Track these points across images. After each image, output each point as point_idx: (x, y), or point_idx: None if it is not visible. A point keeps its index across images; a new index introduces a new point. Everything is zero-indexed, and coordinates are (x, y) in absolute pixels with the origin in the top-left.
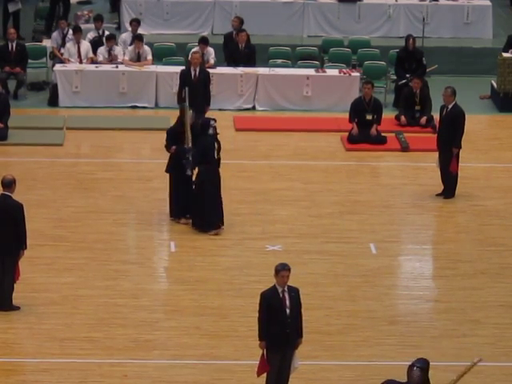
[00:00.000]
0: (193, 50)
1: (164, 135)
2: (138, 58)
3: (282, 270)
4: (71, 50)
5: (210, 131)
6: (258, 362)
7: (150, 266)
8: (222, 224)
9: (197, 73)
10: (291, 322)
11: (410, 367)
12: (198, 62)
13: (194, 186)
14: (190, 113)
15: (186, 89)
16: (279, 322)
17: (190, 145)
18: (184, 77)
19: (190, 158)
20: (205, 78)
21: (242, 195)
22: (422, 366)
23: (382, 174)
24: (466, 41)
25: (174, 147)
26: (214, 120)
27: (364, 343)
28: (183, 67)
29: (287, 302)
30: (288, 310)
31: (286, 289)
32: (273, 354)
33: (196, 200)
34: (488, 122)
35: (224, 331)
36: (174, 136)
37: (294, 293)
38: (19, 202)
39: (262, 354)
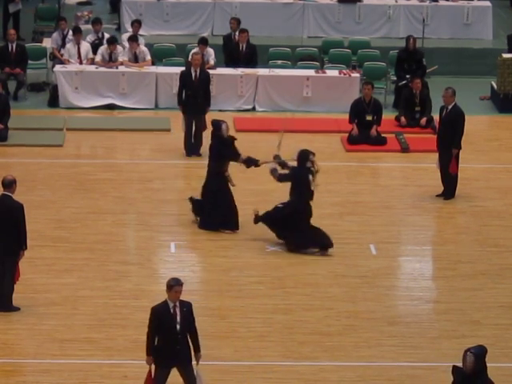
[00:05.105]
0: (193, 50)
1: (164, 136)
2: (135, 59)
3: (176, 285)
4: (71, 51)
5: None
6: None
7: (150, 266)
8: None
9: (197, 74)
10: (181, 338)
11: (465, 352)
12: (198, 63)
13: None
14: (225, 125)
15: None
16: (169, 338)
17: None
18: (184, 78)
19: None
20: (205, 79)
21: (242, 196)
22: (476, 351)
23: (382, 174)
24: (466, 41)
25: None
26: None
27: (364, 344)
28: (183, 68)
29: (178, 318)
30: (178, 326)
31: (177, 304)
32: (161, 369)
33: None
34: (488, 122)
35: (224, 332)
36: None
37: (186, 308)
38: (19, 203)
39: (149, 370)
